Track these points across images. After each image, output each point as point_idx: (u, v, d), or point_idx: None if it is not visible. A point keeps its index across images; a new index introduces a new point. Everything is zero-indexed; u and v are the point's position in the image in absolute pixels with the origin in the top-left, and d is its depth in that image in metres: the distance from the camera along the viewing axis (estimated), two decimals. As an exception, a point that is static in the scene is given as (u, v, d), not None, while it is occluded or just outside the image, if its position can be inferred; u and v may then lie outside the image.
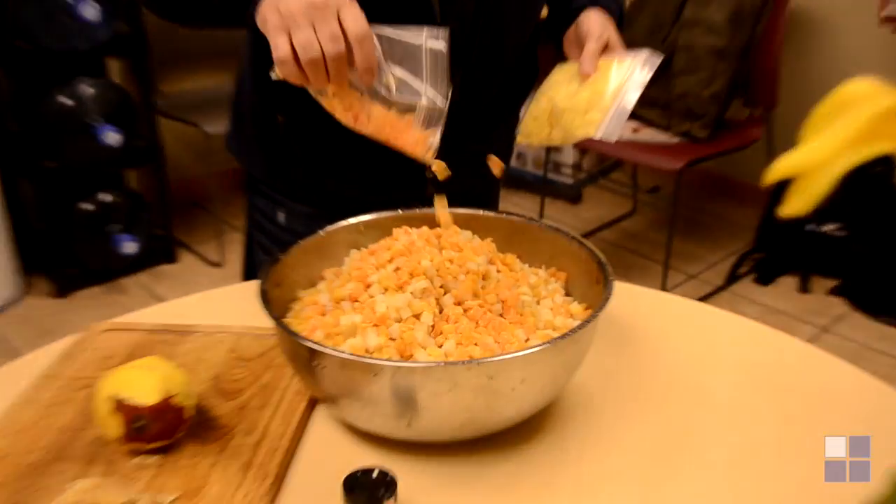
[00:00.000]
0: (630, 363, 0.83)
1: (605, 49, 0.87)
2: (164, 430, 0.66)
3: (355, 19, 0.69)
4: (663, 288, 2.41)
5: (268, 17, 0.71)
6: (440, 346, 0.68)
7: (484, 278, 0.75)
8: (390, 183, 0.97)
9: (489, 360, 0.63)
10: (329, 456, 0.70)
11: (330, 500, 0.62)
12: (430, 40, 0.73)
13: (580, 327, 0.67)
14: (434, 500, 0.65)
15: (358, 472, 0.59)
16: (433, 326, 0.69)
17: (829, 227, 2.35)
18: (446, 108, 0.74)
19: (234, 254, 2.57)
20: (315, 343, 0.64)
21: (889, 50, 2.43)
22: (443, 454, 0.69)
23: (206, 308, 0.93)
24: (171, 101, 2.55)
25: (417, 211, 0.86)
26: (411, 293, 0.71)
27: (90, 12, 2.14)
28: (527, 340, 0.71)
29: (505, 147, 1.08)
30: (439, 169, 0.80)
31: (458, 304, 0.72)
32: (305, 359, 0.66)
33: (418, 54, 0.73)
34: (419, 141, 0.75)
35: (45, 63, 2.19)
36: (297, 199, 1.01)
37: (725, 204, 3.01)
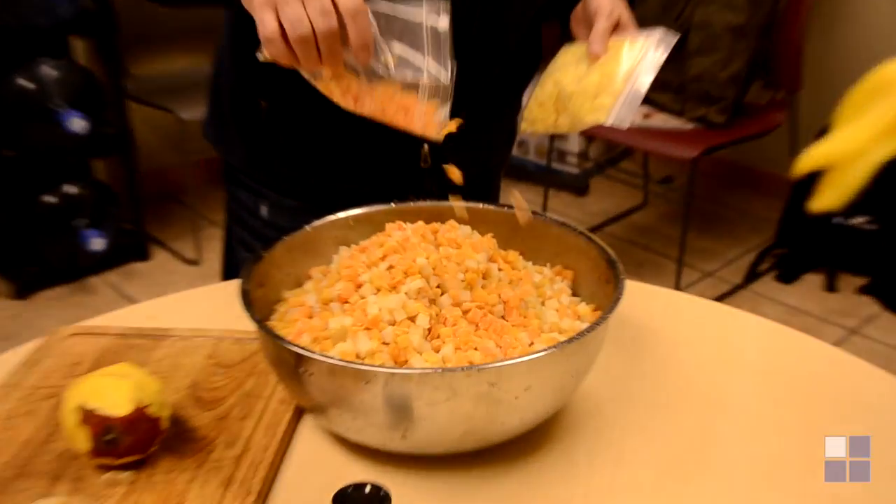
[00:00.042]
0: (642, 369, 0.83)
1: (616, 28, 0.87)
2: (136, 444, 0.66)
3: None
4: (677, 287, 2.42)
5: None
6: (437, 351, 0.68)
7: (484, 277, 0.75)
8: (383, 173, 0.97)
9: (490, 366, 0.63)
10: (317, 470, 0.69)
11: (318, 519, 0.62)
12: (431, 15, 0.73)
13: (589, 330, 0.67)
14: (431, 517, 0.65)
15: (348, 487, 0.59)
16: (429, 330, 0.69)
17: (857, 220, 2.36)
18: (452, 85, 0.74)
19: (213, 251, 2.57)
20: (301, 348, 0.64)
21: (922, 28, 2.43)
22: (440, 468, 0.69)
23: (182, 310, 0.93)
24: (141, 85, 2.54)
25: (412, 204, 0.86)
26: (406, 294, 0.70)
27: (53, -13, 2.13)
28: (531, 344, 0.71)
29: (507, 135, 1.08)
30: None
31: (457, 305, 0.72)
32: (291, 365, 0.66)
33: (418, 30, 0.73)
34: (427, 117, 0.75)
35: (1, 42, 2.18)
36: (281, 191, 1.01)
37: (744, 195, 3.02)
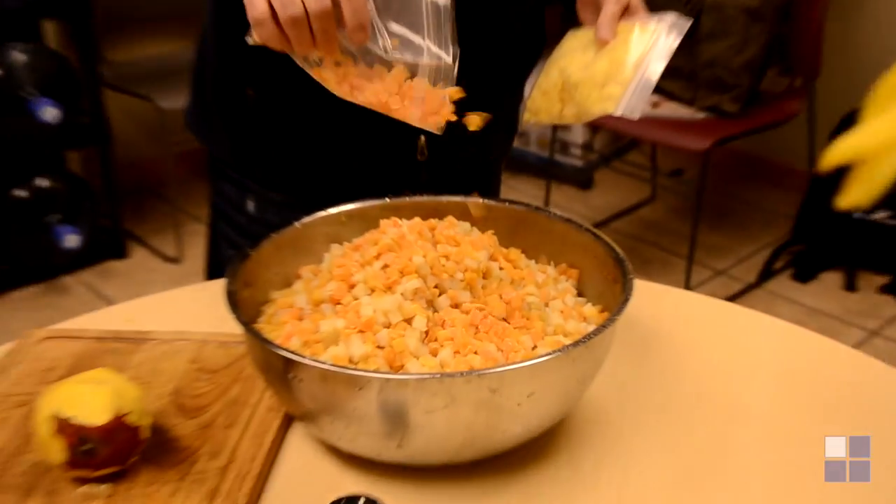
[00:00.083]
0: (651, 374, 0.83)
1: (625, 12, 0.87)
2: (115, 454, 0.65)
3: None
4: (687, 286, 2.43)
5: None
6: (435, 356, 0.68)
7: (484, 277, 0.76)
8: (377, 166, 0.97)
9: (491, 371, 0.63)
10: (307, 482, 0.69)
11: (309, 533, 0.62)
12: None
13: (595, 333, 0.67)
14: (428, 532, 0.65)
15: (340, 500, 0.59)
16: (427, 332, 0.70)
17: (879, 215, 2.37)
18: (456, 66, 0.74)
19: (195, 248, 2.56)
20: (291, 352, 0.64)
21: (947, 11, 2.44)
22: (438, 479, 0.69)
23: (163, 311, 0.93)
24: (118, 71, 2.54)
25: (408, 199, 0.86)
26: (402, 294, 0.70)
27: (22, -34, 2.13)
28: (534, 348, 0.71)
29: (508, 126, 1.08)
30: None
31: (456, 306, 0.72)
32: (280, 370, 0.66)
33: (418, 9, 0.73)
34: (427, 106, 0.75)
35: (-32, 26, 2.18)
36: (268, 184, 1.01)
37: (759, 189, 3.03)
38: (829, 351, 0.87)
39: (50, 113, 2.21)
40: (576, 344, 0.66)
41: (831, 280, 2.54)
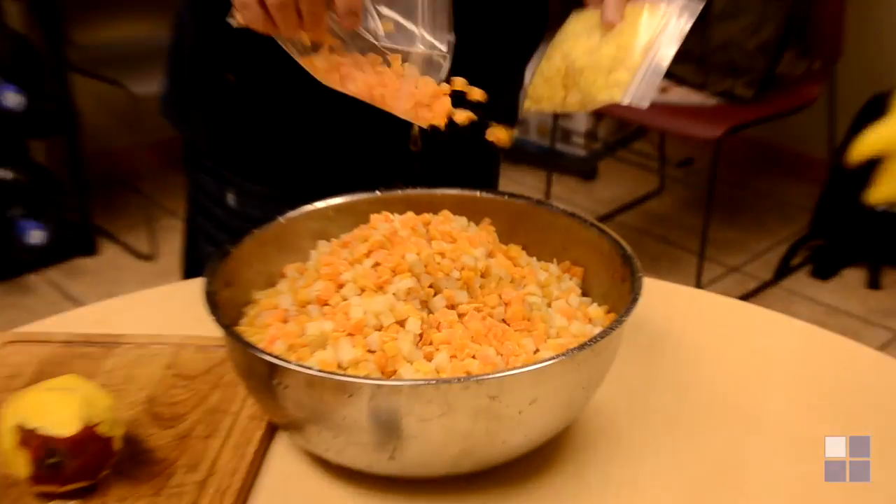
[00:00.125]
0: (661, 378, 0.83)
1: (633, -8, 0.87)
2: (85, 468, 0.65)
3: None
4: (698, 284, 2.43)
5: None
6: (430, 360, 0.68)
7: (483, 276, 0.75)
8: (367, 157, 0.96)
9: (490, 376, 0.63)
10: (293, 497, 0.69)
11: (295, 552, 0.62)
12: None
13: (602, 336, 0.67)
14: (423, 549, 0.65)
15: (330, 516, 0.59)
16: (421, 335, 0.69)
17: (903, 208, 2.37)
18: (450, 57, 0.74)
19: (171, 244, 2.56)
20: (275, 357, 0.64)
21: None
22: (433, 493, 0.69)
23: (137, 313, 0.92)
24: (87, 54, 2.53)
25: (400, 192, 0.86)
26: (394, 295, 0.70)
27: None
28: (536, 352, 0.71)
29: (508, 115, 1.08)
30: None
31: (452, 307, 0.72)
32: (263, 376, 0.66)
33: None
34: (419, 98, 0.75)
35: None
36: (250, 176, 1.01)
37: (775, 179, 3.04)
38: (851, 353, 0.87)
39: (12, 99, 2.21)
40: (581, 347, 0.65)
41: (853, 277, 2.55)
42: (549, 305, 0.77)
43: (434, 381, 0.63)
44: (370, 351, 0.68)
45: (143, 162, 2.58)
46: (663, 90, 2.42)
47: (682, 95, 2.42)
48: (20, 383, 0.78)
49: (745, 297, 2.41)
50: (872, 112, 2.25)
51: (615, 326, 0.68)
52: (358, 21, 0.73)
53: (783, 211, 2.88)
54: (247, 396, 0.76)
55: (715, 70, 2.39)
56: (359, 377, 0.65)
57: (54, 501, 0.66)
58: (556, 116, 2.84)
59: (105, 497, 0.66)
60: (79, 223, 2.58)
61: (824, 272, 2.56)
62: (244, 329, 0.75)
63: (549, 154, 2.85)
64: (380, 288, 0.71)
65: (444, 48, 0.74)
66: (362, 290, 0.72)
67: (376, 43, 0.74)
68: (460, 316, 0.72)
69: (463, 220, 0.82)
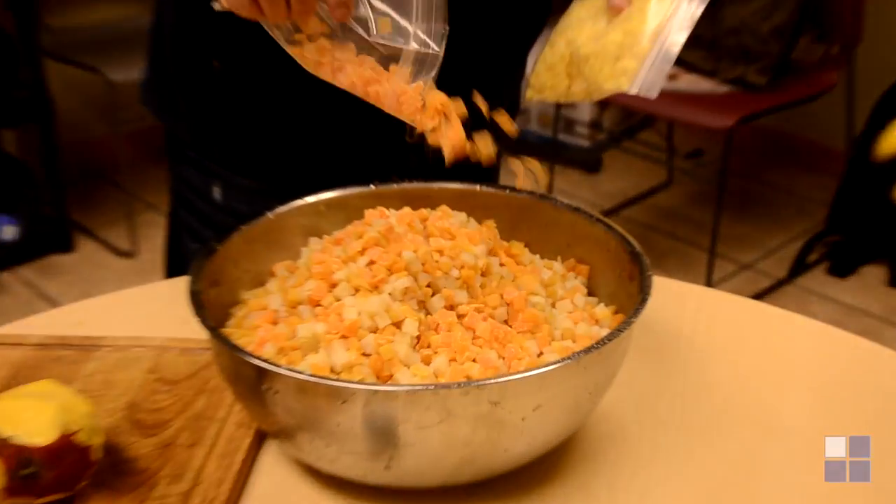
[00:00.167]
0: (672, 383, 0.83)
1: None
2: (61, 479, 0.65)
3: None
4: (708, 282, 2.44)
5: None
6: (428, 364, 0.68)
7: (483, 274, 0.75)
8: (360, 149, 0.96)
9: (492, 381, 0.63)
10: (283, 508, 0.69)
11: (285, 567, 0.62)
12: None
13: (609, 338, 0.67)
14: (421, 564, 0.65)
15: (322, 529, 0.59)
16: (418, 338, 0.69)
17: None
18: (442, 53, 0.74)
19: (152, 240, 2.55)
20: (264, 360, 0.64)
21: None
22: (432, 504, 0.69)
23: (117, 314, 0.92)
24: (61, 38, 2.52)
25: (396, 186, 0.86)
26: (390, 295, 0.70)
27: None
28: (540, 355, 0.71)
29: (509, 104, 1.08)
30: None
31: (451, 308, 0.72)
32: (251, 381, 0.66)
33: None
34: (405, 95, 0.75)
35: None
36: (237, 169, 1.01)
37: (790, 172, 3.04)
38: (871, 355, 0.88)
39: (-17, 86, 2.20)
40: (587, 350, 0.66)
41: (872, 275, 2.55)
42: (553, 306, 0.78)
43: (432, 387, 0.63)
44: (365, 354, 0.68)
45: (121, 153, 2.58)
46: (672, 77, 2.41)
47: (691, 82, 2.42)
48: (-7, 389, 0.79)
49: (759, 297, 2.42)
50: (894, 100, 2.25)
51: (624, 328, 0.68)
52: (349, 13, 0.73)
53: (798, 205, 2.88)
54: (234, 402, 0.76)
55: (726, 56, 2.39)
56: (353, 382, 0.65)
57: (30, 514, 0.66)
58: (558, 105, 2.84)
59: (84, 509, 0.66)
60: (54, 218, 2.57)
61: (842, 269, 2.57)
62: (231, 331, 0.75)
63: (551, 145, 2.85)
64: (375, 287, 0.71)
65: (437, 47, 0.74)
66: (356, 290, 0.72)
67: (367, 38, 0.74)
68: (460, 317, 0.72)
69: (462, 215, 0.82)
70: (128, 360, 0.82)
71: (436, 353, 0.69)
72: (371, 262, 0.73)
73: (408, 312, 0.70)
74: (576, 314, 0.77)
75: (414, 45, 0.74)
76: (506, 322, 0.73)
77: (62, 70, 2.50)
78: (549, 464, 0.72)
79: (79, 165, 2.74)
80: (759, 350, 0.88)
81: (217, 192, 1.02)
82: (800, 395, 0.82)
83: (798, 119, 2.76)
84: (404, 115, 0.75)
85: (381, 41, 0.75)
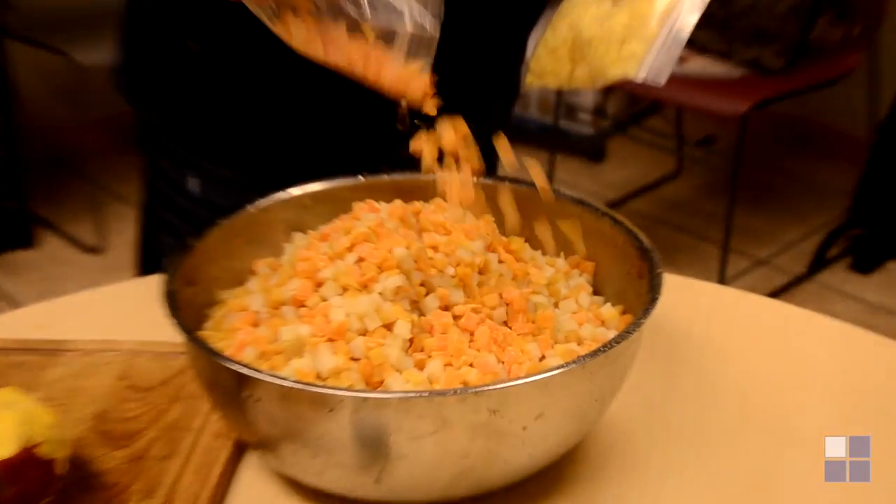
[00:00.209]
0: (683, 387, 0.83)
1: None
2: (23, 495, 0.65)
3: None
4: (721, 279, 2.44)
5: None
6: (421, 369, 0.68)
7: (481, 272, 0.75)
8: (348, 138, 0.96)
9: (490, 387, 0.63)
10: (264, 525, 0.69)
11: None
12: None
13: (617, 340, 0.67)
14: (414, 585, 0.65)
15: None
16: (411, 341, 0.69)
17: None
18: (437, 34, 0.74)
19: (121, 236, 2.55)
20: (244, 366, 0.64)
21: None
22: (426, 520, 0.69)
23: (83, 315, 0.92)
24: (25, 18, 2.52)
25: (386, 178, 0.86)
26: (380, 294, 0.70)
27: None
28: (542, 359, 0.71)
29: (508, 90, 1.08)
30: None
31: (446, 308, 0.72)
32: (230, 388, 0.66)
33: None
34: (403, 77, 0.75)
35: None
36: (215, 159, 1.01)
37: (808, 160, 3.05)
38: (897, 357, 0.88)
39: (-61, 69, 2.19)
40: (593, 354, 0.65)
41: (896, 271, 2.56)
42: (556, 306, 0.78)
43: (426, 394, 0.63)
44: (353, 359, 0.67)
45: (88, 141, 2.58)
46: (681, 60, 2.41)
47: (702, 65, 2.42)
48: (-50, 397, 0.78)
49: (775, 294, 2.43)
50: (918, 84, 2.26)
51: (632, 330, 0.68)
52: None
53: (817, 196, 2.89)
54: (211, 411, 0.76)
55: (740, 36, 2.40)
56: (340, 389, 0.64)
57: (-10, 533, 0.66)
58: (560, 91, 2.85)
59: (49, 527, 0.66)
60: (14, 211, 2.57)
61: (865, 265, 2.58)
62: (208, 334, 0.75)
63: (552, 132, 2.86)
64: (364, 287, 0.71)
65: (431, 21, 0.74)
66: (344, 290, 0.71)
67: (360, 16, 0.74)
68: (456, 318, 0.71)
69: (458, 209, 0.82)
70: (95, 366, 0.82)
71: (430, 357, 0.69)
72: (360, 260, 0.73)
73: (400, 313, 0.69)
74: (580, 314, 0.77)
75: (408, 26, 0.74)
76: (505, 323, 0.73)
77: (25, 52, 2.49)
78: (551, 477, 0.72)
79: (42, 154, 2.74)
80: (776, 352, 0.89)
81: (194, 184, 1.02)
82: (820, 400, 0.82)
83: (817, 104, 2.77)
84: (410, 95, 0.75)
85: (376, 21, 0.74)
